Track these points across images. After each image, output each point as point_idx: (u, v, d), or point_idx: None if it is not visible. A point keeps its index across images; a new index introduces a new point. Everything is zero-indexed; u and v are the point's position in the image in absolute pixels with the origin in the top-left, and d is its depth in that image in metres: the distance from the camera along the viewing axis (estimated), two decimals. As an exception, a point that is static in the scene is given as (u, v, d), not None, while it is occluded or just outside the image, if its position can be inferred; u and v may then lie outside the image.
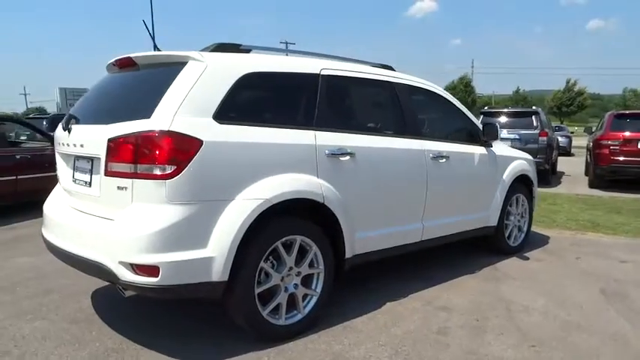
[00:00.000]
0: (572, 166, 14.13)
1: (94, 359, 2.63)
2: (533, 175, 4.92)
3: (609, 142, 9.61)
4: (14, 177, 6.34)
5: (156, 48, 2.99)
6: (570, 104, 54.86)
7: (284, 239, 2.78)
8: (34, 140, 8.61)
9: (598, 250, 4.96)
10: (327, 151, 2.97)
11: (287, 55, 3.38)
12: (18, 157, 6.47)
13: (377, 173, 3.29)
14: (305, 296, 2.95)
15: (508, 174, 4.51)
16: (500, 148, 4.55)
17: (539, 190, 5.47)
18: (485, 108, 13.27)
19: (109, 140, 2.51)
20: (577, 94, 56.02)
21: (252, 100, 2.85)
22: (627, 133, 9.52)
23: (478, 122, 4.38)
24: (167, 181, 2.39)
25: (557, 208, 7.46)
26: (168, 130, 2.40)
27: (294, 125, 2.92)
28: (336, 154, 3.02)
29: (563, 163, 14.14)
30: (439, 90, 4.13)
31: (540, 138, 9.97)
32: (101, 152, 2.56)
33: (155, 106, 2.47)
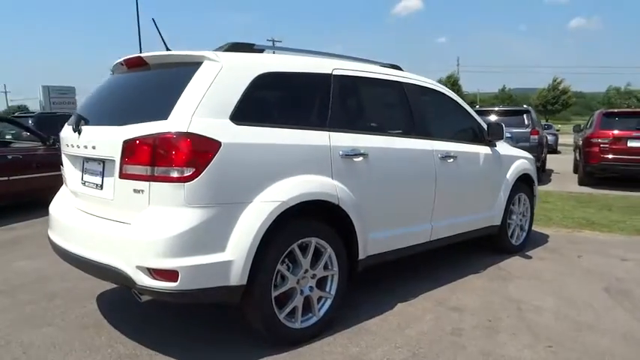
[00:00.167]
0: (560, 164, 14.34)
1: (108, 366, 2.58)
2: (534, 174, 4.96)
3: (599, 140, 9.74)
4: (6, 178, 6.19)
5: (166, 48, 2.92)
6: (555, 102, 55.66)
7: (300, 241, 2.75)
8: (20, 139, 8.44)
9: (597, 248, 5.02)
10: (341, 152, 2.94)
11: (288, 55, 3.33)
12: (10, 157, 6.33)
13: (389, 174, 3.28)
14: (319, 299, 2.92)
15: (511, 173, 4.53)
16: (503, 147, 4.57)
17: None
18: (477, 107, 13.36)
19: (125, 142, 2.45)
20: (562, 93, 56.87)
21: (267, 101, 2.81)
22: (616, 132, 9.66)
23: (482, 122, 4.39)
24: (186, 183, 2.34)
25: (550, 206, 7.54)
26: (187, 132, 2.35)
27: (309, 126, 2.89)
28: (350, 154, 2.99)
29: (551, 161, 14.32)
30: (445, 90, 4.14)
31: (532, 136, 10.06)
32: (115, 154, 2.49)
33: (172, 107, 2.42)
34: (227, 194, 2.45)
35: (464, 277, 4.03)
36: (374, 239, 3.17)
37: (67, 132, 3.06)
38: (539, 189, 9.21)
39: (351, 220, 2.98)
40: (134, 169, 2.43)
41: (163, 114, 2.41)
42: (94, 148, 2.68)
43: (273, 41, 39.33)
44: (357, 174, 3.04)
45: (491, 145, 4.35)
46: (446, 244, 3.98)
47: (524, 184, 4.81)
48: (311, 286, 2.86)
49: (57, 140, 7.10)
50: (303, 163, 2.77)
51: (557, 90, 56.89)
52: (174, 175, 2.34)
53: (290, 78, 2.92)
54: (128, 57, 2.92)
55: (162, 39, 2.95)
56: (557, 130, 25.15)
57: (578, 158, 11.20)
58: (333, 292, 2.97)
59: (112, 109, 2.89)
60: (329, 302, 2.95)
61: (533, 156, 9.62)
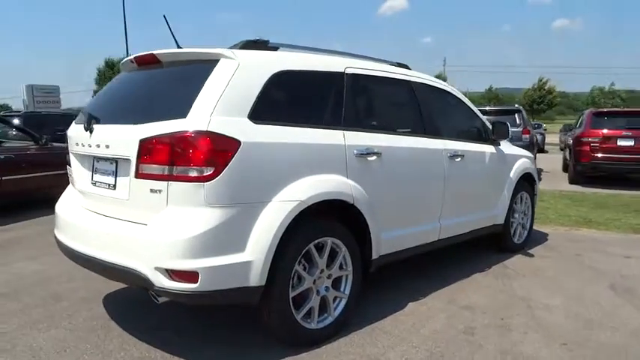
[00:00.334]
0: (549, 163, 14.51)
1: (123, 370, 2.53)
2: (535, 173, 5.00)
3: (589, 140, 9.89)
4: (-1, 178, 6.05)
5: (177, 45, 2.86)
6: (541, 102, 56.36)
7: (317, 241, 2.73)
8: (8, 139, 8.26)
9: (596, 246, 5.08)
10: (355, 151, 2.92)
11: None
12: (2, 157, 6.18)
13: (400, 173, 3.27)
14: (334, 299, 2.90)
15: (514, 172, 4.56)
16: (506, 146, 4.60)
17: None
18: None
19: (141, 141, 2.40)
20: (547, 92, 57.62)
21: (284, 99, 2.77)
22: (606, 131, 9.82)
23: (487, 121, 4.41)
24: (206, 183, 2.29)
25: (545, 204, 7.61)
26: (207, 131, 2.30)
27: (324, 125, 2.87)
28: (364, 154, 2.98)
29: (539, 160, 14.44)
30: (452, 88, 4.15)
31: (524, 136, 10.17)
32: (131, 153, 2.44)
33: (189, 105, 2.37)
34: (246, 194, 2.41)
35: (470, 275, 4.04)
36: (386, 238, 3.16)
37: (76, 131, 2.99)
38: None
39: (365, 220, 2.96)
40: (151, 168, 2.38)
41: (181, 112, 2.36)
42: (107, 147, 2.62)
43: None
44: (370, 173, 3.03)
45: (496, 144, 4.37)
46: (452, 243, 3.99)
47: (525, 182, 4.85)
48: (327, 286, 2.84)
49: (49, 140, 7.02)
50: (320, 163, 2.75)
51: (543, 90, 57.64)
52: (194, 174, 2.30)
53: (304, 76, 2.89)
54: (139, 54, 2.86)
55: (174, 36, 2.89)
56: (545, 130, 25.51)
57: (568, 157, 11.34)
58: (347, 292, 2.95)
59: (126, 107, 2.83)
60: (343, 302, 2.93)
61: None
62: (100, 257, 2.55)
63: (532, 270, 4.23)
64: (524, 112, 11.13)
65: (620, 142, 9.59)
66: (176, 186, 2.32)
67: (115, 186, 2.64)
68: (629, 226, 6.13)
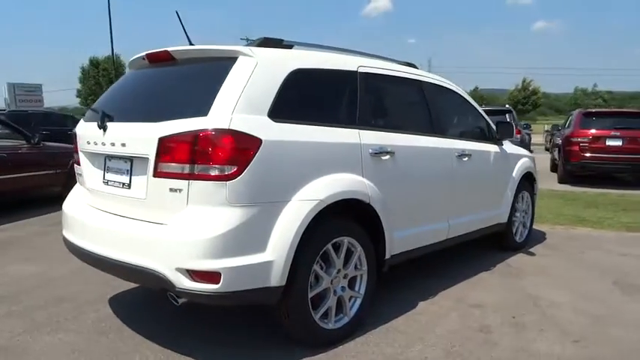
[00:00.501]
0: (537, 163, 14.63)
1: (140, 373, 2.48)
2: (535, 172, 5.06)
3: (579, 140, 10.04)
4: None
5: (190, 42, 2.82)
6: (526, 103, 57.16)
7: (334, 240, 2.71)
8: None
9: (594, 244, 5.16)
10: (370, 150, 2.91)
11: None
12: (-6, 156, 6.04)
13: (412, 172, 3.27)
14: (350, 298, 2.89)
15: (517, 171, 4.61)
16: (508, 145, 4.64)
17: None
18: None
19: (161, 139, 2.35)
20: (532, 93, 58.47)
21: (301, 98, 2.74)
22: (595, 131, 9.98)
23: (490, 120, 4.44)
24: (228, 182, 2.26)
25: (538, 203, 7.68)
26: (229, 129, 2.27)
27: (340, 124, 2.85)
28: (379, 152, 2.97)
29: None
30: (458, 88, 4.16)
31: (515, 136, 10.28)
32: (150, 152, 2.39)
33: (210, 103, 2.33)
34: (267, 193, 2.38)
35: (477, 274, 4.06)
36: (398, 238, 3.15)
37: (86, 128, 2.92)
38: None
39: (379, 219, 2.95)
40: (171, 167, 2.34)
41: (202, 110, 2.32)
42: (123, 145, 2.56)
43: (247, 40, 39.02)
44: (383, 172, 3.02)
45: (499, 143, 4.41)
46: (459, 242, 4.00)
47: (526, 181, 4.89)
48: (343, 286, 2.82)
49: (41, 139, 6.88)
50: (337, 161, 2.73)
51: (528, 90, 58.49)
52: (216, 173, 2.26)
53: (320, 74, 2.87)
54: (152, 51, 2.81)
55: (186, 33, 2.85)
56: (531, 130, 25.85)
57: (557, 157, 11.50)
58: (362, 291, 2.93)
59: (141, 105, 2.76)
60: (359, 302, 2.91)
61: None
62: (115, 257, 2.49)
63: (536, 268, 4.27)
64: (514, 113, 11.29)
65: (609, 142, 9.75)
66: (197, 185, 2.28)
67: (129, 185, 2.59)
68: (621, 224, 6.23)
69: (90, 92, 48.29)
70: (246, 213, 2.30)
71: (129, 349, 2.70)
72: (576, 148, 10.02)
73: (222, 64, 2.50)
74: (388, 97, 3.44)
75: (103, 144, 2.69)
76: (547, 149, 20.68)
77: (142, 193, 2.48)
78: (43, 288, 3.67)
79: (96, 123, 2.71)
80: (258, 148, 2.33)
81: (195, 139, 2.27)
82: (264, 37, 2.75)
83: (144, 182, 2.46)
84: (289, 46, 2.85)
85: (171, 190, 2.34)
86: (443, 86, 3.93)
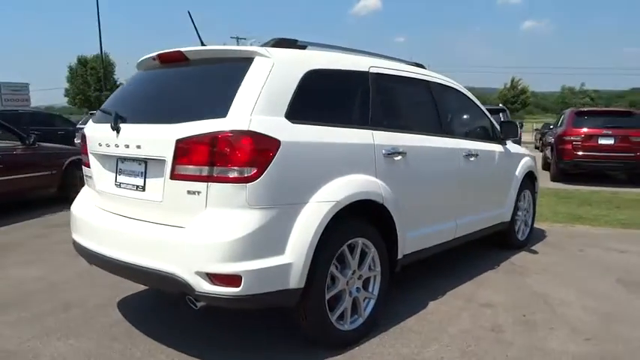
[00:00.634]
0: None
1: (158, 378, 2.45)
2: (536, 171, 5.10)
3: (572, 138, 10.15)
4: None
5: (202, 43, 2.79)
6: (515, 102, 57.67)
7: (349, 242, 2.71)
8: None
9: (594, 242, 5.22)
10: (383, 151, 2.91)
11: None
12: (-11, 157, 5.94)
13: (423, 172, 3.28)
14: (364, 299, 2.88)
15: (520, 170, 4.64)
16: (511, 145, 4.67)
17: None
18: None
19: (178, 141, 2.32)
20: (521, 92, 59.02)
21: (316, 99, 2.72)
22: (587, 130, 10.09)
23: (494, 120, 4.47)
24: (248, 184, 2.24)
25: (534, 201, 7.78)
26: (249, 130, 2.25)
27: (354, 124, 2.85)
28: (391, 153, 2.97)
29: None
30: (463, 88, 4.18)
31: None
32: (167, 154, 2.36)
33: (228, 104, 2.31)
34: (285, 194, 2.37)
35: (482, 273, 4.09)
36: (411, 238, 3.16)
37: (97, 130, 2.87)
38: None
39: (393, 220, 2.95)
40: (189, 169, 2.31)
41: (220, 112, 2.30)
42: (138, 147, 2.52)
43: (237, 38, 38.92)
44: (396, 173, 3.02)
45: (503, 143, 4.44)
46: (465, 242, 4.02)
47: (528, 180, 4.93)
48: (358, 287, 2.82)
49: (36, 139, 6.77)
50: (352, 162, 2.73)
51: (517, 89, 59.02)
52: (236, 175, 2.24)
53: (333, 75, 2.86)
54: (164, 52, 2.77)
55: (198, 34, 2.83)
56: (521, 129, 26.17)
57: (549, 155, 11.61)
58: (375, 292, 2.93)
59: (155, 106, 2.73)
60: (372, 303, 2.91)
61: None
62: (129, 260, 2.46)
63: (540, 266, 4.30)
64: (508, 112, 11.37)
65: (601, 141, 9.87)
66: (216, 187, 2.26)
67: (143, 187, 2.55)
68: (617, 221, 6.32)
69: (78, 91, 47.77)
70: (266, 215, 2.29)
71: (142, 354, 2.67)
72: (569, 146, 10.13)
73: (239, 65, 2.48)
74: (398, 98, 3.44)
75: (117, 146, 2.65)
76: (537, 147, 20.88)
77: (157, 195, 2.45)
78: (49, 292, 3.62)
79: (108, 124, 2.67)
80: (277, 150, 2.32)
81: (213, 140, 2.25)
82: (279, 38, 2.74)
83: (160, 185, 2.43)
84: (303, 47, 2.84)
85: (189, 192, 2.31)
86: (449, 86, 3.95)
